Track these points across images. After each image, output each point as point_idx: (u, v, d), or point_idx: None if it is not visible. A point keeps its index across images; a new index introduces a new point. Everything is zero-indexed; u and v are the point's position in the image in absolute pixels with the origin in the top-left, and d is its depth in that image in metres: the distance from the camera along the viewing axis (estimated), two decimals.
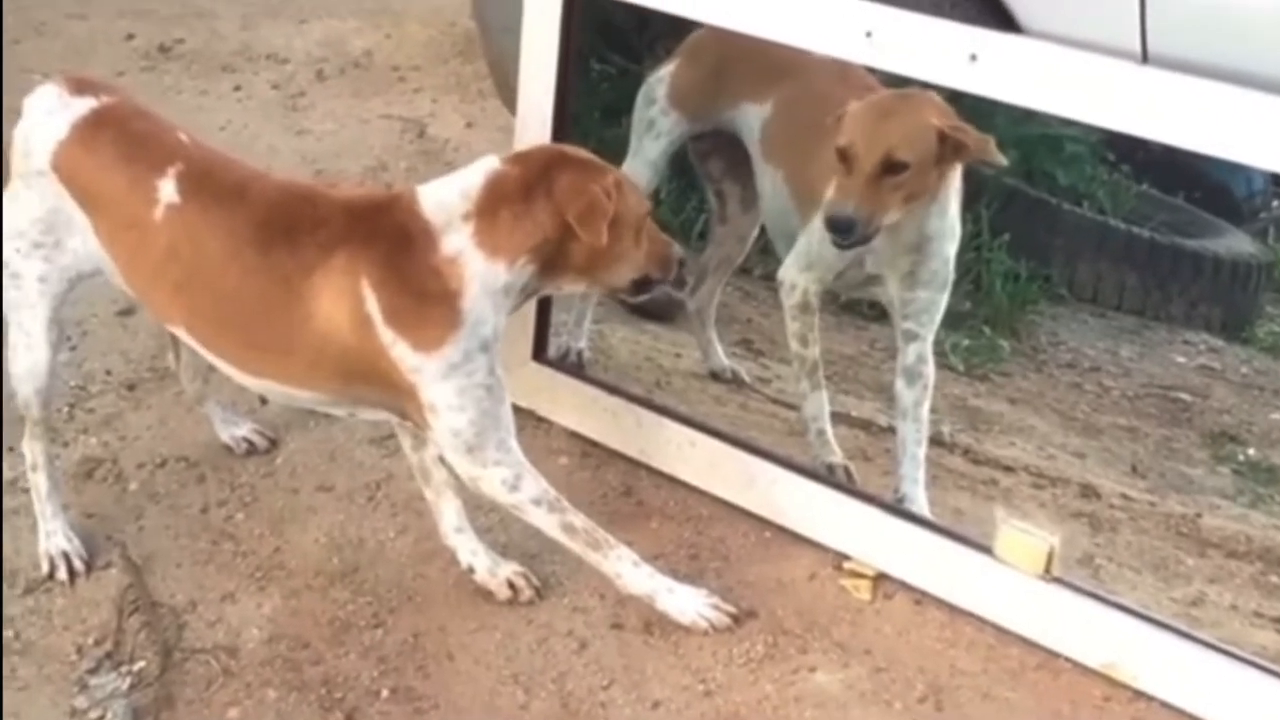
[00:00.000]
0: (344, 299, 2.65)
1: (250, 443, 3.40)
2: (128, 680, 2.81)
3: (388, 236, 2.68)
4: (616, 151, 3.93)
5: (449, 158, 4.89)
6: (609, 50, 4.04)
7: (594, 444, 3.43)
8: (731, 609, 2.93)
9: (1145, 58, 2.67)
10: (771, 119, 3.33)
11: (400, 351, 2.65)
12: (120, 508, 3.25)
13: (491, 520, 3.17)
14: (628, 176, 2.87)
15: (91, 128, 2.81)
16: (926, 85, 2.93)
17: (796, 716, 2.77)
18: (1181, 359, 3.69)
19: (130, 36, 5.81)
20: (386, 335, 2.64)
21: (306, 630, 2.94)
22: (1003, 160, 3.01)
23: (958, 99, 2.92)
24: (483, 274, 2.67)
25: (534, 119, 3.39)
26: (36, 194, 2.83)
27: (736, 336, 3.76)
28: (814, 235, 3.17)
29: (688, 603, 2.91)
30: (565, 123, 3.37)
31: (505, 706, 2.78)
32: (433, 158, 4.87)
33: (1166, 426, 3.49)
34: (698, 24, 3.35)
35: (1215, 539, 3.17)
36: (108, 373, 3.69)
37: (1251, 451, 3.41)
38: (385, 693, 2.80)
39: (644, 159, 3.51)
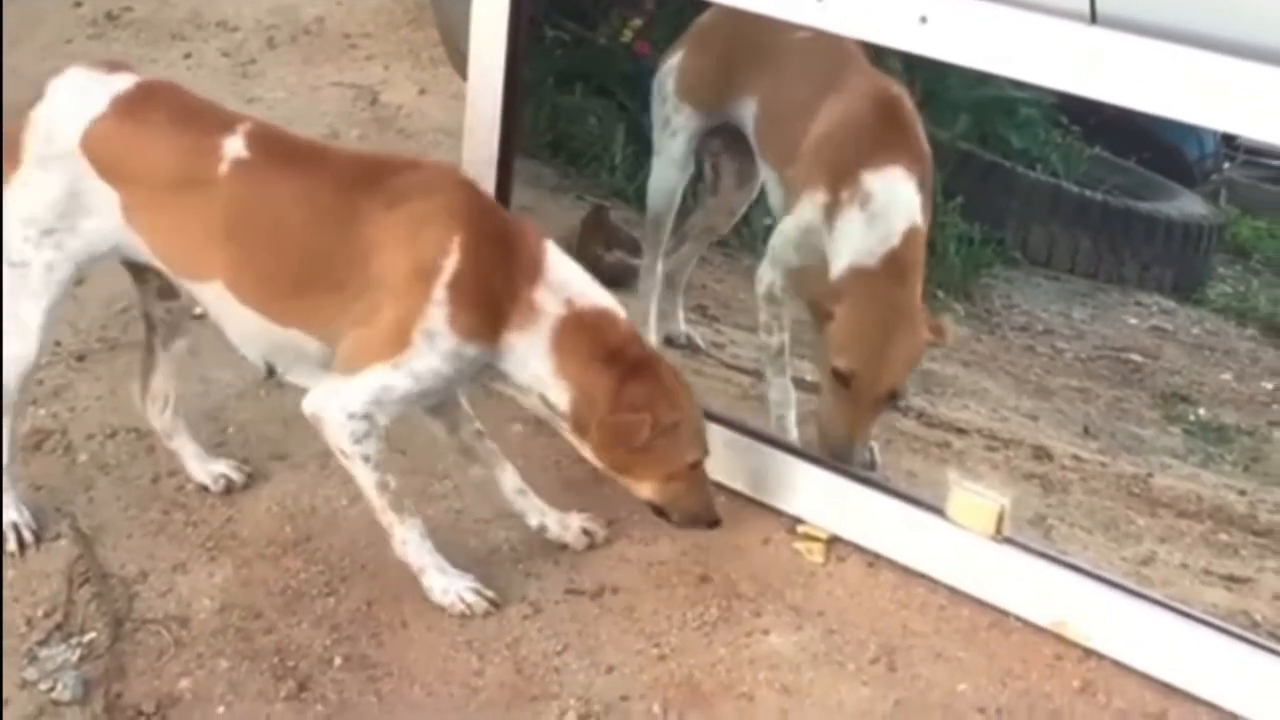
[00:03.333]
0: (423, 239, 2.66)
1: (228, 479, 3.23)
2: (78, 651, 2.79)
3: (499, 231, 2.74)
4: (571, 119, 3.93)
5: (401, 125, 4.87)
6: (563, 17, 4.02)
7: None
8: (492, 595, 2.91)
9: (1094, 18, 2.67)
10: (759, 114, 3.32)
11: (435, 314, 2.66)
12: (70, 479, 3.22)
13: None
14: (694, 422, 2.84)
15: (138, 98, 2.81)
16: (877, 48, 2.93)
17: (750, 679, 2.78)
18: (1134, 321, 3.70)
19: (78, 4, 5.75)
20: (439, 294, 2.65)
21: (259, 599, 2.93)
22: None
23: (910, 62, 2.92)
24: (535, 350, 2.74)
25: (485, 86, 3.38)
26: (55, 177, 2.78)
27: (692, 302, 3.75)
28: (779, 237, 3.23)
29: (451, 584, 2.90)
30: (516, 90, 3.36)
31: (459, 672, 2.78)
32: (385, 125, 4.84)
33: (1118, 388, 3.51)
34: None
35: (1166, 498, 3.19)
36: (57, 344, 3.64)
37: (1202, 411, 3.43)
38: (338, 661, 2.79)
39: (668, 158, 3.50)
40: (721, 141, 3.50)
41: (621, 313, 2.79)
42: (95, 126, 2.77)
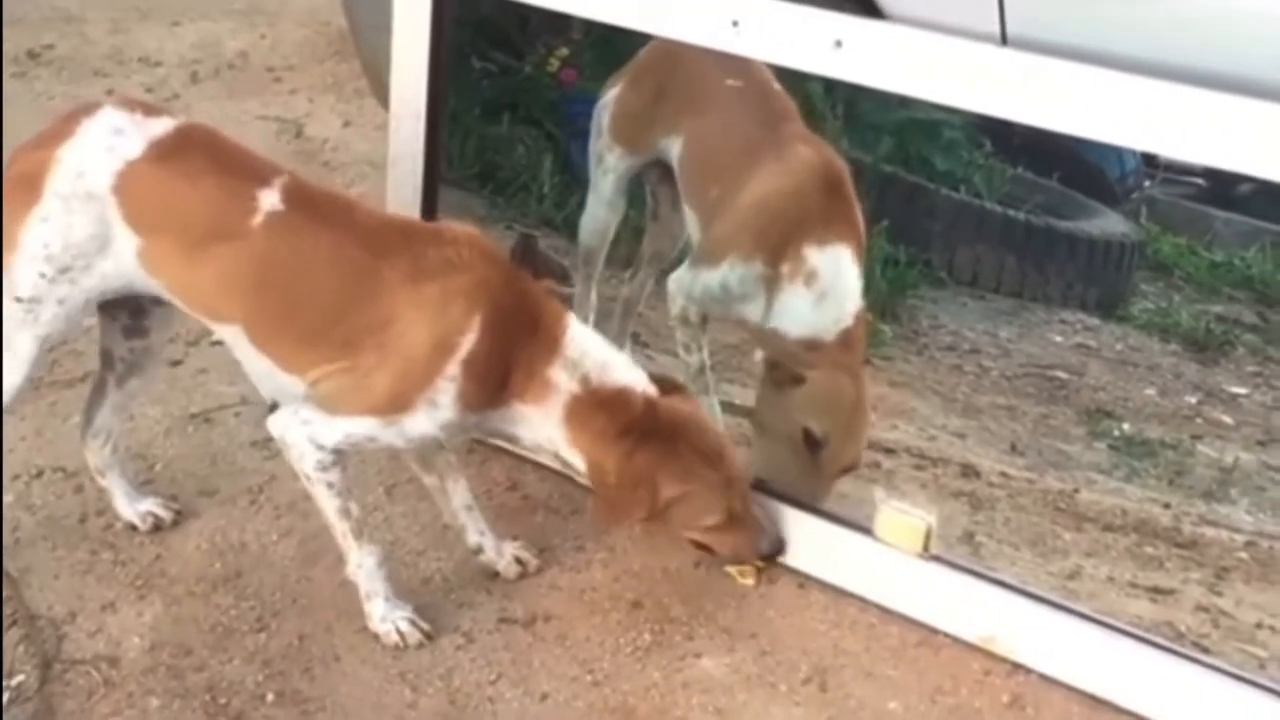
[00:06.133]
0: (445, 316, 2.65)
1: (156, 516, 3.20)
2: (6, 694, 2.76)
3: (519, 308, 2.73)
4: (498, 149, 3.92)
5: (326, 157, 4.87)
6: (490, 47, 4.02)
7: (478, 441, 3.41)
8: (427, 627, 2.91)
9: (1004, 40, 2.71)
10: (684, 155, 3.33)
11: (444, 387, 2.66)
12: None
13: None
14: (712, 486, 2.81)
15: (176, 143, 2.77)
16: (793, 72, 2.96)
17: (684, 703, 2.78)
18: (1059, 338, 3.74)
19: None
20: (452, 370, 2.65)
21: (189, 637, 2.91)
22: None
23: (831, 85, 2.96)
24: (548, 422, 2.75)
25: (407, 116, 3.39)
26: (79, 217, 2.73)
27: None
28: (699, 282, 3.24)
29: (391, 613, 2.90)
30: (438, 120, 3.37)
31: (393, 705, 2.77)
32: (310, 158, 4.84)
33: (1044, 405, 3.54)
34: (581, 20, 3.33)
35: (1092, 513, 3.23)
36: None
37: (1126, 426, 3.46)
38: (271, 696, 2.78)
39: (599, 196, 3.51)
40: (660, 169, 3.50)
41: (640, 384, 2.78)
42: (129, 169, 2.73)
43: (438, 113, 3.35)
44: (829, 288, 3.08)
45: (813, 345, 3.10)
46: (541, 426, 2.76)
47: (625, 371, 2.79)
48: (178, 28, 5.95)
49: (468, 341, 2.65)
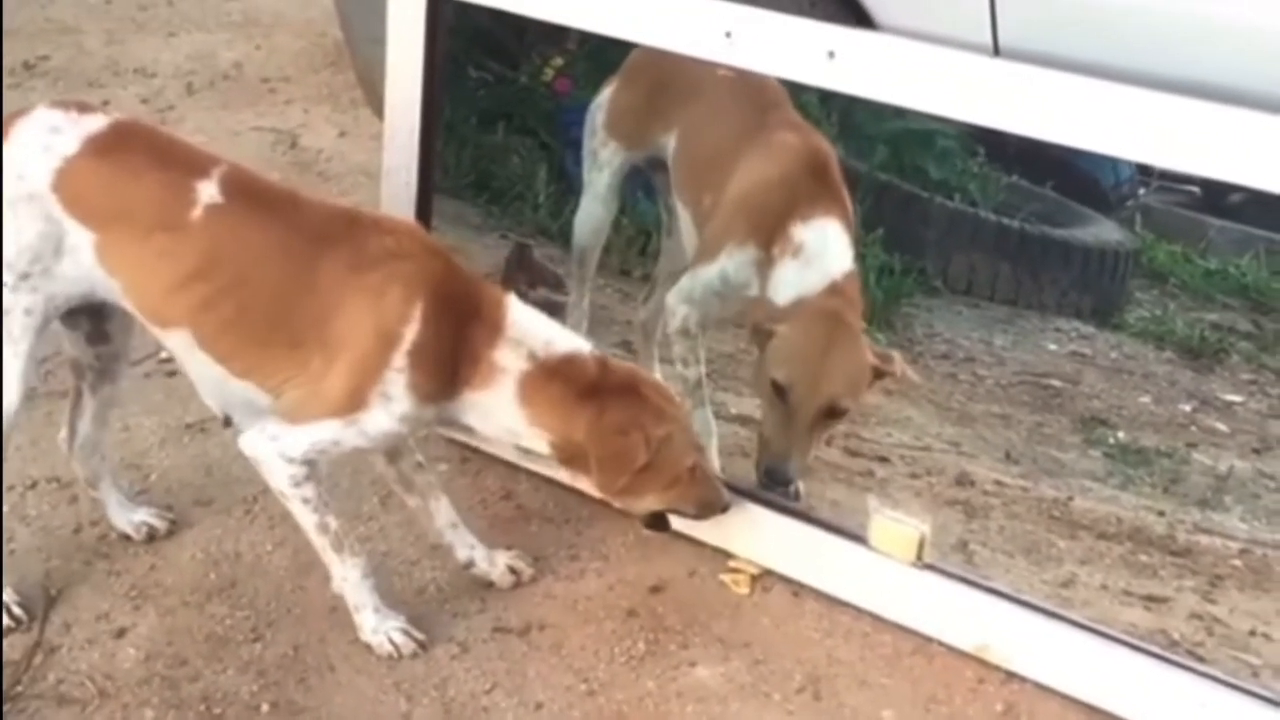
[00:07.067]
0: (386, 306, 2.67)
1: (150, 526, 3.21)
2: (6, 704, 2.76)
3: (460, 295, 2.74)
4: (494, 158, 3.92)
5: (321, 168, 4.88)
6: (486, 57, 4.02)
7: (473, 450, 3.42)
8: (421, 636, 2.92)
9: (996, 51, 2.71)
10: (678, 150, 3.34)
11: (394, 379, 2.67)
12: None
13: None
14: (684, 428, 2.86)
15: (113, 139, 2.77)
16: (787, 83, 2.97)
17: (678, 712, 2.79)
18: (1053, 346, 3.73)
19: None
20: (399, 361, 2.66)
21: (184, 647, 2.91)
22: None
23: (825, 95, 2.96)
24: (501, 406, 2.75)
25: (401, 127, 3.39)
26: (25, 220, 2.72)
27: (616, 338, 3.76)
28: (698, 281, 3.23)
29: (382, 624, 2.90)
30: (433, 131, 3.37)
31: (387, 715, 2.77)
32: (305, 168, 4.84)
33: (1039, 413, 3.53)
34: (577, 30, 3.34)
35: (1086, 521, 3.22)
36: None
37: (1121, 434, 3.45)
38: (265, 707, 2.78)
39: (594, 194, 3.50)
40: (668, 178, 3.50)
41: (587, 349, 2.79)
42: (67, 166, 2.73)
43: (432, 123, 3.35)
44: (816, 254, 3.09)
45: (798, 301, 3.10)
46: (496, 414, 2.76)
47: (569, 341, 2.80)
48: (173, 39, 5.97)
49: (411, 331, 2.66)
